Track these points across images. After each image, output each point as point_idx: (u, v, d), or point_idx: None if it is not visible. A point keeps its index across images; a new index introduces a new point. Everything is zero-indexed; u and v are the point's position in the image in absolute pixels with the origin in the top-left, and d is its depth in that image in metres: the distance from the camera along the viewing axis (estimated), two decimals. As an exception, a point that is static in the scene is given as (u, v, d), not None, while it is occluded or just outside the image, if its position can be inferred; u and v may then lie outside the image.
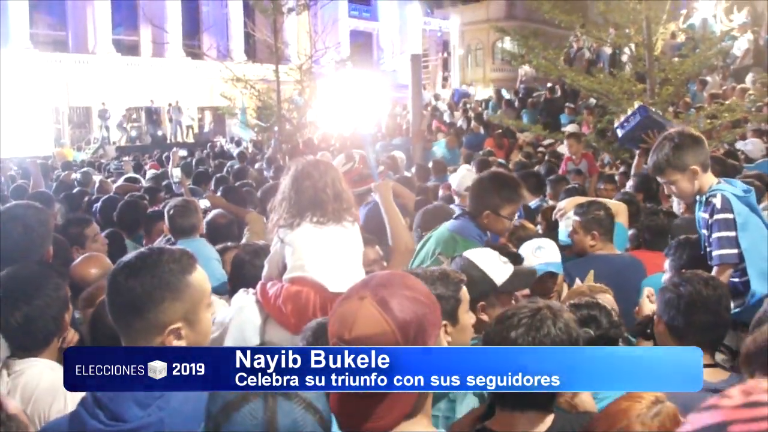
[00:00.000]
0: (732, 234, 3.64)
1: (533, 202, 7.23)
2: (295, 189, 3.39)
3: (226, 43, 34.47)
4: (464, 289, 2.69)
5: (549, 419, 2.11)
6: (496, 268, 3.09)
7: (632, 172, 6.96)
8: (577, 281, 3.74)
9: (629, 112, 7.00)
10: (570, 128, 14.07)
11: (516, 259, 3.74)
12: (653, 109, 7.79)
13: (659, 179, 4.01)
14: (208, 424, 1.66)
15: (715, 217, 3.68)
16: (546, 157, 11.96)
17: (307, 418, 1.63)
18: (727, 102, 12.22)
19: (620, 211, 4.88)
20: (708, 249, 3.77)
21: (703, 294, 2.84)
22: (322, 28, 18.24)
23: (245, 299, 3.34)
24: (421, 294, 1.82)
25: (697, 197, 3.86)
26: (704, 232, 3.80)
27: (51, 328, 2.73)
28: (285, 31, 22.58)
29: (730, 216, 3.65)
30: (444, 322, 2.52)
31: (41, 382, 2.57)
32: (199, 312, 2.10)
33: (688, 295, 2.85)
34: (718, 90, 15.76)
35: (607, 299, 3.26)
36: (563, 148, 11.76)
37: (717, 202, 3.68)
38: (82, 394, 2.51)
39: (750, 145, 9.85)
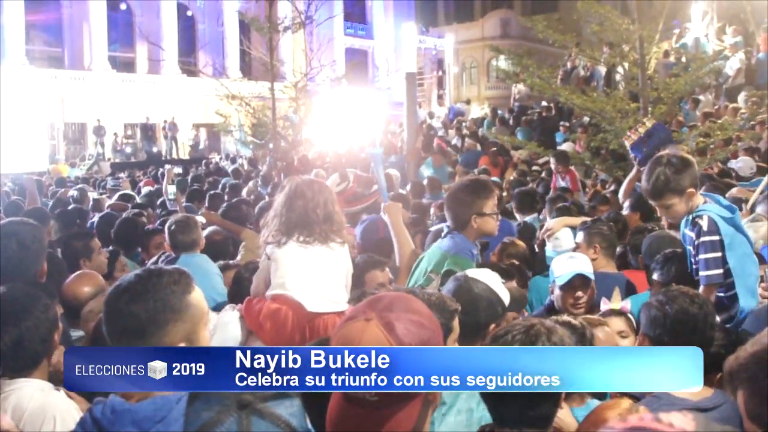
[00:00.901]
0: (718, 255, 3.74)
1: (528, 218, 7.26)
2: (286, 207, 3.43)
3: (222, 61, 34.61)
4: (457, 319, 2.67)
5: None
6: (503, 290, 3.09)
7: (624, 188, 6.97)
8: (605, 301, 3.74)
9: (642, 130, 7.03)
10: (565, 147, 14.13)
11: (511, 274, 3.78)
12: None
13: (654, 203, 4.02)
14: None
15: (702, 239, 3.76)
16: (542, 175, 12.01)
17: None
18: (719, 121, 12.29)
19: None
20: (694, 266, 3.86)
21: (690, 312, 2.86)
22: (318, 45, 18.25)
23: (230, 315, 3.38)
24: (426, 318, 1.82)
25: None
26: (690, 248, 3.89)
27: (40, 349, 2.70)
28: (280, 48, 22.66)
29: (716, 238, 3.75)
30: None
31: (31, 404, 2.54)
32: (199, 331, 2.12)
33: (674, 313, 2.86)
34: (711, 109, 15.85)
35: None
36: (557, 166, 11.82)
37: (704, 224, 3.77)
38: (74, 416, 2.51)
39: (741, 163, 9.91)
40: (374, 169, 5.91)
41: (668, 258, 3.98)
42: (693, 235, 3.83)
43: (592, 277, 3.98)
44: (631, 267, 5.03)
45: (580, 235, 4.71)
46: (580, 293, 3.86)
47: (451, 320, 2.61)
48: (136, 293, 2.03)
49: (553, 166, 10.84)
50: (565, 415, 2.27)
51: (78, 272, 4.25)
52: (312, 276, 3.30)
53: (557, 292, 3.95)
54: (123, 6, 38.50)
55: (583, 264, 3.96)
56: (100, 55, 36.73)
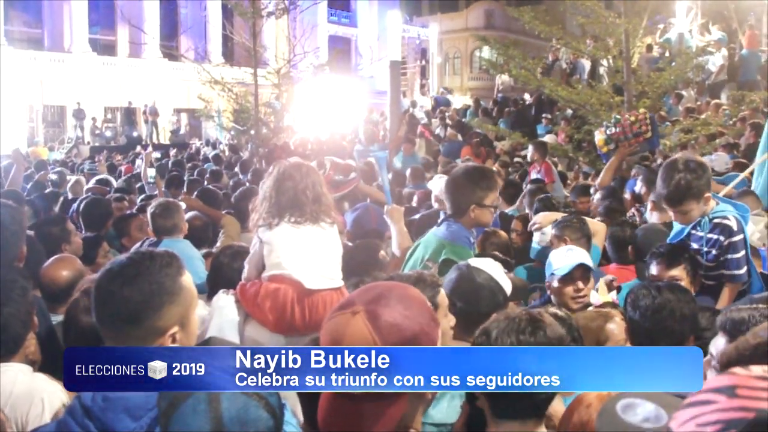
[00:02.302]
0: (744, 253, 3.91)
1: (509, 210, 7.24)
2: (275, 189, 3.46)
3: (204, 45, 34.27)
4: (442, 293, 2.67)
5: (543, 428, 2.08)
6: (505, 279, 3.09)
7: (603, 177, 7.02)
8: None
9: (633, 119, 7.09)
10: (547, 138, 14.12)
11: (507, 266, 3.75)
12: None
13: (670, 208, 4.02)
14: (160, 420, 1.64)
15: (733, 239, 3.89)
16: (523, 167, 11.99)
17: (251, 403, 1.63)
18: (702, 116, 12.36)
19: (598, 231, 4.86)
20: (709, 264, 3.97)
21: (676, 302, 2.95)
22: (301, 32, 18.16)
23: (225, 300, 3.37)
24: (418, 312, 1.78)
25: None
26: (705, 249, 3.96)
27: (21, 332, 2.67)
28: (264, 34, 22.52)
29: (743, 237, 3.91)
30: None
31: (16, 387, 2.51)
32: (191, 314, 2.09)
33: (660, 304, 2.94)
34: (694, 104, 15.93)
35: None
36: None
37: (733, 224, 3.91)
38: (61, 398, 2.47)
39: (715, 158, 9.96)
40: (378, 171, 5.90)
41: (675, 252, 3.93)
42: (714, 236, 3.92)
43: (593, 268, 3.92)
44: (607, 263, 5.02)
45: (552, 232, 4.67)
46: (580, 284, 3.78)
47: (435, 296, 2.60)
48: (129, 276, 1.98)
49: (529, 156, 10.72)
50: (556, 403, 2.25)
51: (56, 256, 4.17)
52: (307, 254, 3.33)
53: (555, 284, 3.85)
54: (105, -12, 38.15)
55: (583, 255, 3.88)
56: (80, 37, 36.33)
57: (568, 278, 3.79)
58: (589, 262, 3.86)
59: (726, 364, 1.99)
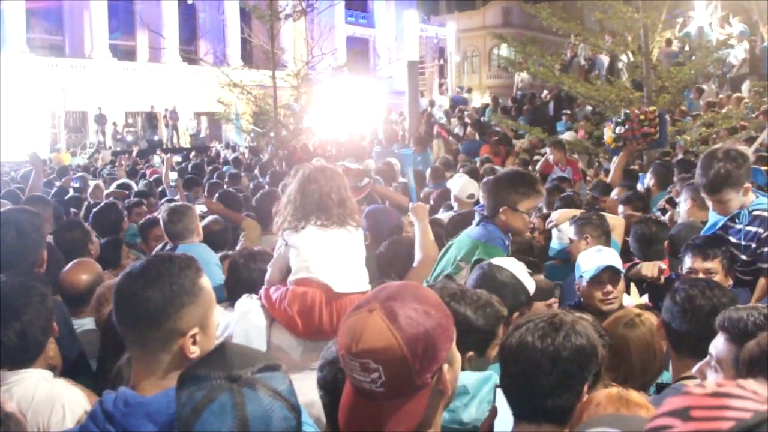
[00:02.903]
0: None
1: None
2: (300, 192, 3.42)
3: (223, 49, 34.47)
4: (502, 325, 2.64)
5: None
6: (528, 278, 3.08)
7: (613, 174, 7.01)
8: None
9: (653, 121, 7.09)
10: (567, 136, 14.04)
11: (537, 268, 3.71)
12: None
13: (709, 197, 3.97)
14: (180, 427, 1.63)
15: None
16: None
17: (275, 404, 1.63)
18: (722, 110, 12.24)
19: (617, 225, 4.82)
20: (747, 258, 3.92)
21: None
22: (319, 34, 18.17)
23: (249, 304, 3.33)
24: (433, 307, 1.77)
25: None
26: (745, 243, 3.92)
27: (42, 339, 2.69)
28: (282, 36, 22.61)
29: None
30: (470, 352, 2.48)
31: (37, 393, 2.53)
32: (210, 315, 2.10)
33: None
34: (714, 98, 15.78)
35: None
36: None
37: None
38: (81, 403, 2.50)
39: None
40: (402, 169, 5.88)
41: (711, 244, 3.83)
42: (753, 228, 3.87)
43: (622, 270, 3.83)
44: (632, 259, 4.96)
45: (571, 229, 4.62)
46: (609, 287, 3.71)
47: (497, 326, 2.59)
48: (151, 278, 2.00)
49: (551, 159, 10.51)
50: None
51: (75, 260, 4.20)
52: (335, 257, 3.30)
53: (584, 287, 3.78)
54: (124, -6, 38.46)
55: (611, 257, 3.80)
56: (100, 43, 36.66)
57: (596, 281, 3.73)
58: (619, 264, 3.79)
59: (749, 360, 1.96)
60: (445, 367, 1.74)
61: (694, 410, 0.92)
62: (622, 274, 3.82)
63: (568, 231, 4.71)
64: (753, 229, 3.88)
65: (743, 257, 3.93)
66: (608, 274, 3.71)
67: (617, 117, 7.57)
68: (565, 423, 2.02)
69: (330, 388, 2.08)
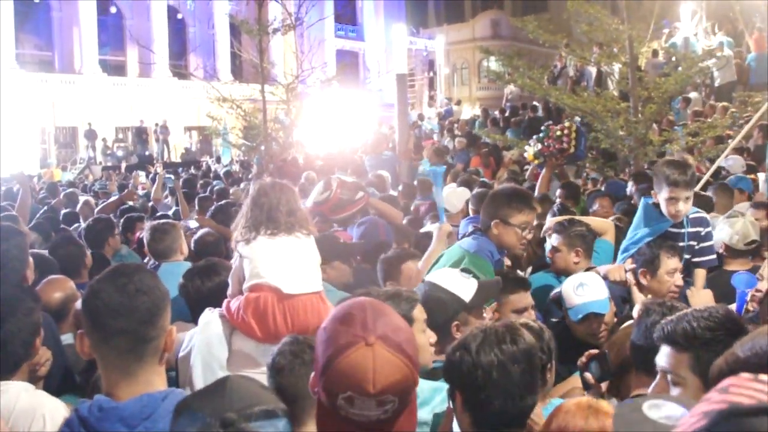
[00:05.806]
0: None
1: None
2: (252, 207, 3.54)
3: (213, 63, 34.46)
4: (418, 307, 2.75)
5: None
6: (461, 285, 3.12)
7: (540, 186, 7.24)
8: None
9: (568, 136, 7.21)
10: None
11: (523, 284, 3.72)
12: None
13: (685, 190, 4.09)
14: None
15: (708, 229, 4.35)
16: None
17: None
18: (708, 120, 12.33)
19: (608, 228, 4.87)
20: (694, 259, 4.32)
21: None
22: (309, 47, 18.19)
23: (210, 316, 3.44)
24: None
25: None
26: (690, 244, 4.27)
27: (20, 352, 2.69)
28: (271, 51, 22.63)
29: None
30: None
31: (18, 404, 2.52)
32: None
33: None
34: (701, 107, 15.90)
35: None
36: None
37: (707, 217, 4.42)
38: (63, 414, 2.51)
39: (731, 161, 9.94)
40: (434, 183, 5.86)
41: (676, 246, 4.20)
42: (695, 229, 4.26)
43: (607, 309, 3.74)
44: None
45: (559, 238, 4.55)
46: (594, 327, 3.70)
47: (410, 311, 2.71)
48: (142, 284, 2.11)
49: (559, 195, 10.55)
50: (536, 414, 2.28)
51: (49, 277, 4.14)
52: (283, 262, 3.40)
53: (570, 321, 3.77)
54: (113, 9, 38.53)
55: (594, 293, 3.74)
56: (90, 58, 36.68)
57: (581, 321, 3.73)
58: (602, 301, 3.73)
59: (718, 376, 1.99)
60: None
61: (732, 387, 1.07)
62: (606, 311, 3.75)
63: (553, 238, 4.65)
64: (694, 229, 4.25)
65: (687, 256, 4.26)
66: (592, 315, 3.70)
67: (538, 136, 7.61)
68: (522, 427, 2.06)
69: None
